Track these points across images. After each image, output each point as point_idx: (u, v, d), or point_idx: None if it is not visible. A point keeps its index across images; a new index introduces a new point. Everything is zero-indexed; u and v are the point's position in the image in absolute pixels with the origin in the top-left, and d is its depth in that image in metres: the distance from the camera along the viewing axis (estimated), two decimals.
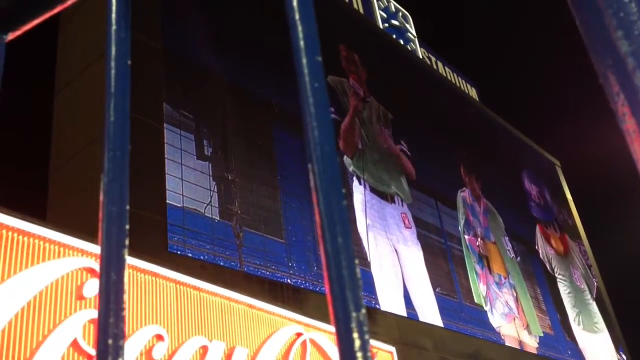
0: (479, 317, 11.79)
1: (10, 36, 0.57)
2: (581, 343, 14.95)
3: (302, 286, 8.34)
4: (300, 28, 0.38)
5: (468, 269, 12.14)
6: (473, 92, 17.93)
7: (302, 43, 0.38)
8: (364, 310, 0.31)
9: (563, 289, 15.65)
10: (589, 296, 16.69)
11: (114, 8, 0.48)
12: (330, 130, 0.36)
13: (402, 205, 11.22)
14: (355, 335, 0.29)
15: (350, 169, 10.35)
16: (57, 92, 8.32)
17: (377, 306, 9.19)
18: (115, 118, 0.45)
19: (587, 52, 0.37)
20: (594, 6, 0.29)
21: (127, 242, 0.43)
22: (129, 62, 0.48)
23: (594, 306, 16.63)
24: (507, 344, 12.01)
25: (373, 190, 10.61)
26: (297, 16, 0.38)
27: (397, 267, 10.20)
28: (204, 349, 5.67)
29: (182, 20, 8.76)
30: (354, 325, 0.29)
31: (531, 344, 12.87)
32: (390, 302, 9.52)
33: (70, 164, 7.71)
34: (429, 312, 10.25)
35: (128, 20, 0.49)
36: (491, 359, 11.17)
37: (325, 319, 6.96)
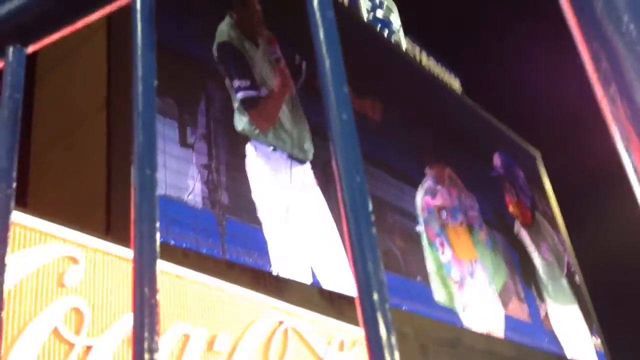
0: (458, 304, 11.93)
1: (31, 49, 0.58)
2: (552, 317, 15.14)
3: (284, 274, 8.38)
4: (327, 60, 0.40)
5: (425, 246, 11.90)
6: (456, 83, 18.03)
7: (329, 75, 0.40)
8: (394, 334, 0.34)
9: (535, 262, 15.89)
10: (557, 269, 16.88)
11: (139, 29, 0.50)
12: (359, 160, 0.38)
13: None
14: (388, 358, 0.31)
15: (267, 140, 9.27)
16: (39, 77, 8.22)
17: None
18: (143, 138, 0.47)
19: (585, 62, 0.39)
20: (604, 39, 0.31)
21: (158, 258, 0.45)
22: (155, 82, 0.49)
23: (563, 280, 16.84)
24: (475, 330, 12.01)
25: (291, 157, 9.60)
26: (324, 49, 0.40)
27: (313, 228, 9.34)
28: (186, 336, 5.69)
29: (165, 6, 8.68)
30: (385, 348, 0.32)
31: (499, 333, 12.89)
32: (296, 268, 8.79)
33: (52, 151, 7.64)
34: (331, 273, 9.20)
35: (153, 40, 0.51)
36: (470, 345, 11.33)
37: (307, 307, 7.02)
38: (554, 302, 15.74)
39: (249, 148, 9.02)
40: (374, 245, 0.36)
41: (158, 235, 0.46)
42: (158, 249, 0.45)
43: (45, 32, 0.57)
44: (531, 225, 16.80)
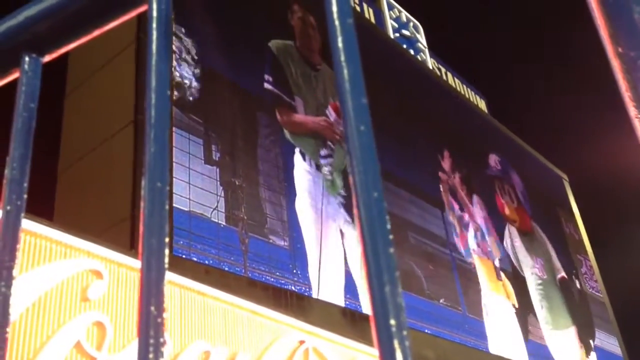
0: (482, 329, 11.73)
1: (47, 58, 0.57)
2: (550, 344, 14.14)
3: (306, 293, 8.33)
4: (345, 70, 0.38)
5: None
6: (482, 104, 17.92)
7: (347, 85, 0.38)
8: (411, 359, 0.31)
9: (530, 281, 14.67)
10: (553, 288, 15.49)
11: (154, 39, 0.49)
12: (377, 174, 0.36)
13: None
14: None
15: (294, 144, 9.61)
16: (67, 93, 8.36)
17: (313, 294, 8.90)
18: (155, 149, 0.45)
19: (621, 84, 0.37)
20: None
21: (165, 274, 0.43)
22: (168, 93, 0.48)
23: (558, 299, 15.48)
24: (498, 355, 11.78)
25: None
26: (342, 57, 0.39)
27: (341, 251, 9.42)
28: (207, 354, 5.67)
29: (191, 23, 8.79)
30: None
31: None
32: (330, 290, 8.85)
33: (78, 165, 7.74)
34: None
35: (168, 51, 0.49)
36: None
37: (328, 327, 6.95)
38: (546, 312, 14.60)
39: (297, 156, 9.45)
40: (392, 267, 0.33)
41: (167, 250, 0.44)
42: (167, 265, 0.43)
43: (61, 41, 0.56)
44: (528, 234, 15.59)
